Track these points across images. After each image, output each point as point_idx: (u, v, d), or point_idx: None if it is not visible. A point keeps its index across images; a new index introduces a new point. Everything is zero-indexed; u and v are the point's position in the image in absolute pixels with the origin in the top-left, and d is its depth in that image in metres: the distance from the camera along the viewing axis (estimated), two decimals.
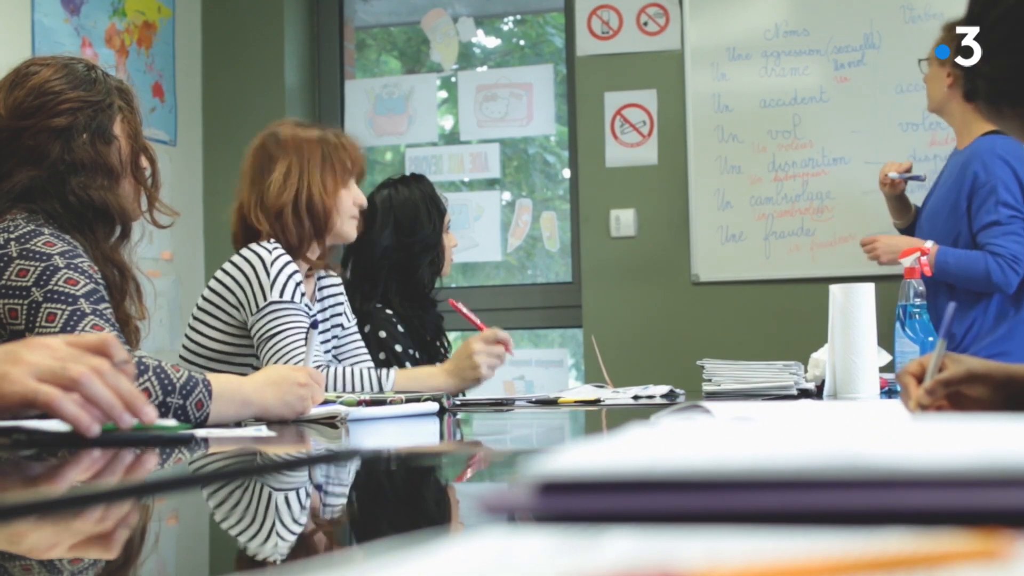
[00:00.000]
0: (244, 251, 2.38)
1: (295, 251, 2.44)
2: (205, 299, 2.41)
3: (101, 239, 1.87)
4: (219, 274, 2.40)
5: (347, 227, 2.52)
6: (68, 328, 1.64)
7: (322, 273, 2.60)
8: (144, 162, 1.97)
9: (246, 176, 2.49)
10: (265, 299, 2.31)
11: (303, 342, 2.31)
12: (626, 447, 0.53)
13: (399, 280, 3.00)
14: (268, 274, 2.33)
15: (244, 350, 2.40)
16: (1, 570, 0.61)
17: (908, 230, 3.57)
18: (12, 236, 1.74)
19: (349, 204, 2.52)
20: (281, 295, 2.32)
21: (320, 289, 2.62)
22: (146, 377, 1.62)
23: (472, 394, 2.68)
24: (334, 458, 1.31)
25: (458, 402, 2.48)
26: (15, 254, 1.72)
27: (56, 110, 1.85)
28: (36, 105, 1.85)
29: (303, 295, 2.38)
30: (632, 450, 0.53)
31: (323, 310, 2.63)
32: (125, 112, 1.94)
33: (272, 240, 2.40)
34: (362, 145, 2.62)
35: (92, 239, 1.85)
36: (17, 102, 1.85)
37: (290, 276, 2.34)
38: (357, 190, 2.55)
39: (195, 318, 2.43)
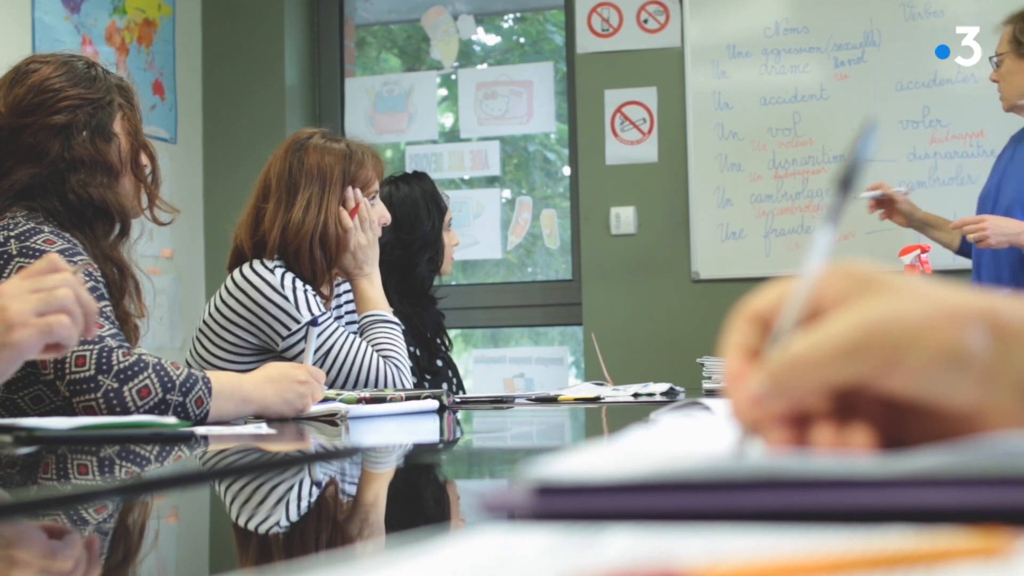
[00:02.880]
0: (247, 274, 2.36)
1: (308, 284, 2.42)
2: (211, 317, 2.40)
3: (100, 237, 1.87)
4: (225, 295, 2.38)
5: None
6: None
7: (339, 280, 2.59)
8: (144, 159, 1.96)
9: (272, 195, 2.44)
10: (297, 321, 2.31)
11: (356, 338, 2.38)
12: (625, 452, 0.53)
13: (397, 277, 2.99)
14: (285, 297, 2.33)
15: (251, 367, 2.39)
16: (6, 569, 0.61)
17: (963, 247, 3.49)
18: (12, 234, 1.74)
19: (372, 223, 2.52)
20: (310, 311, 2.32)
21: (337, 296, 2.62)
22: (146, 374, 1.62)
23: (472, 392, 2.68)
24: (334, 455, 1.31)
25: (458, 399, 2.48)
26: (15, 252, 1.71)
27: (56, 108, 1.85)
28: (36, 103, 1.85)
29: (318, 300, 2.38)
30: (631, 456, 0.53)
31: (338, 307, 2.63)
32: (125, 109, 1.94)
33: (276, 258, 2.39)
34: (382, 155, 2.62)
35: (92, 237, 1.84)
36: (17, 100, 1.85)
37: (304, 290, 2.35)
38: (381, 206, 2.54)
39: (201, 332, 2.42)
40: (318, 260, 2.41)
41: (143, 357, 1.64)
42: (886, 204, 3.47)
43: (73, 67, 1.90)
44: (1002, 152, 3.51)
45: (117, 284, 1.86)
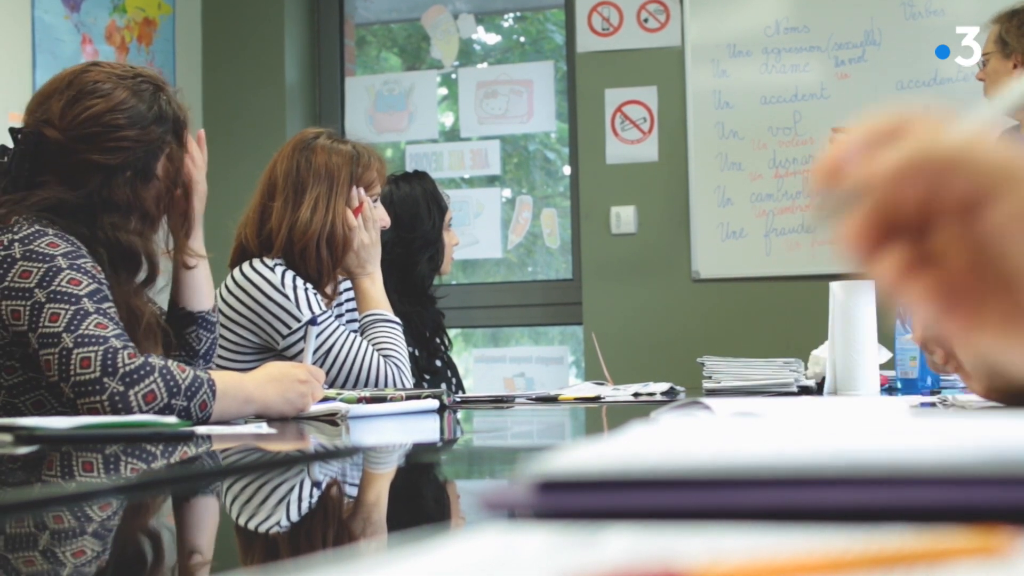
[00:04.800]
0: (248, 273, 2.36)
1: (313, 284, 2.42)
2: None
3: (123, 281, 1.81)
4: (225, 294, 2.39)
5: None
6: (72, 327, 1.63)
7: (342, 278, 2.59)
8: (180, 200, 1.92)
9: (279, 193, 2.43)
10: (297, 320, 2.31)
11: (356, 337, 2.38)
12: (626, 447, 0.53)
13: (397, 276, 2.99)
14: (286, 296, 2.33)
15: (251, 366, 2.39)
16: (9, 563, 0.61)
17: None
18: (16, 237, 1.73)
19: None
20: (310, 310, 2.32)
21: (339, 294, 2.62)
22: (152, 378, 1.61)
23: (472, 391, 2.68)
24: (334, 455, 1.31)
25: (458, 399, 2.48)
26: (19, 255, 1.71)
27: (106, 147, 1.80)
28: (91, 133, 1.79)
29: (318, 299, 2.38)
30: (632, 450, 0.53)
31: (338, 304, 2.63)
32: (172, 146, 1.88)
33: (275, 259, 2.39)
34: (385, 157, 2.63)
35: (114, 279, 1.79)
36: (75, 123, 1.79)
37: (305, 289, 2.35)
38: (381, 209, 2.55)
39: None
40: (325, 260, 2.42)
41: (149, 360, 1.63)
42: None
43: (140, 97, 1.84)
44: None
45: (132, 330, 1.81)
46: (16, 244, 1.71)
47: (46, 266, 1.69)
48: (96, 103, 1.81)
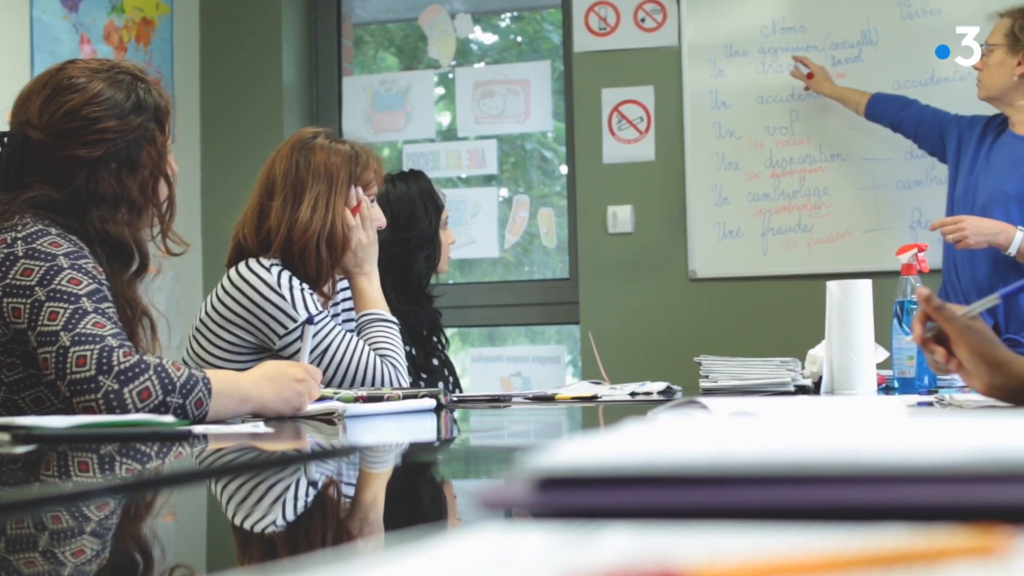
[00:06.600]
0: (244, 273, 2.36)
1: (311, 283, 2.42)
2: (208, 316, 2.40)
3: (116, 273, 1.82)
4: (221, 294, 2.38)
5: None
6: (70, 326, 1.63)
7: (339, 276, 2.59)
8: (163, 189, 1.93)
9: (277, 193, 2.43)
10: (294, 320, 2.31)
11: (353, 337, 2.37)
12: (624, 443, 0.53)
13: (394, 275, 2.99)
14: (282, 296, 2.32)
15: (248, 366, 2.39)
16: (10, 563, 0.61)
17: (878, 113, 3.75)
18: (20, 235, 1.73)
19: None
20: (307, 309, 2.32)
21: (337, 292, 2.62)
22: (147, 376, 1.61)
23: (469, 391, 2.67)
24: (331, 454, 1.31)
25: (455, 398, 2.48)
26: (21, 253, 1.71)
27: (88, 139, 1.80)
28: (70, 128, 1.80)
29: (315, 299, 2.38)
30: (630, 446, 0.53)
31: (335, 304, 2.63)
32: (155, 134, 1.88)
33: (270, 259, 2.39)
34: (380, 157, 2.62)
35: (108, 273, 1.79)
36: (53, 120, 1.80)
37: (301, 289, 2.35)
38: (377, 210, 2.55)
39: (198, 331, 2.42)
40: (324, 260, 2.42)
41: (144, 358, 1.63)
42: (811, 75, 3.96)
43: (117, 87, 1.84)
44: (970, 145, 3.48)
45: (128, 321, 1.82)
46: (19, 242, 1.72)
47: (48, 265, 1.69)
48: (72, 98, 1.81)
